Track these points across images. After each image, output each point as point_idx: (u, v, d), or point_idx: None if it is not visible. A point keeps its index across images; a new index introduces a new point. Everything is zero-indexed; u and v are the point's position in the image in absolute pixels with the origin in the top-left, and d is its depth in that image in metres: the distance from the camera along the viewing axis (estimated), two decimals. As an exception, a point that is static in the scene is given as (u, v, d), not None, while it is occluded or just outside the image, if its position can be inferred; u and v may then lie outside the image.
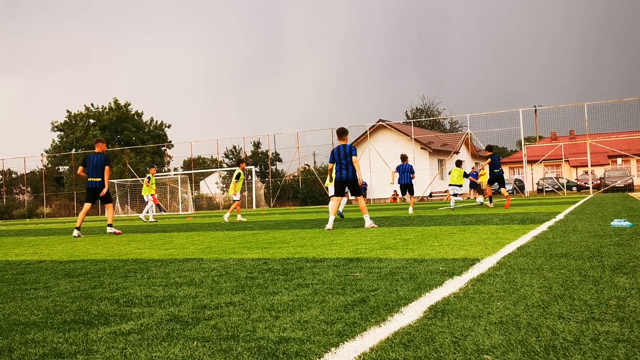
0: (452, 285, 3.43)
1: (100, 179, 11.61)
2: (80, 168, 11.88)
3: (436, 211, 15.87)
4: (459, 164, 19.34)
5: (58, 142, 53.09)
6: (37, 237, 11.70)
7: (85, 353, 2.31)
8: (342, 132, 10.16)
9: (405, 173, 16.26)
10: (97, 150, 11.91)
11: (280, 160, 46.44)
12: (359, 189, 10.26)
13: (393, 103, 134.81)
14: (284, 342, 2.33)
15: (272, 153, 45.50)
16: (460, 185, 18.70)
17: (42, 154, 52.21)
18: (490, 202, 17.78)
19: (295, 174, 44.14)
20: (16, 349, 2.43)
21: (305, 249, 6.27)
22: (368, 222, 9.79)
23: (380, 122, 41.74)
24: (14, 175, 53.30)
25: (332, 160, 10.13)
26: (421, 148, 40.00)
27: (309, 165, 44.96)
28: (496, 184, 17.94)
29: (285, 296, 3.35)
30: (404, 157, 16.76)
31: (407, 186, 16.29)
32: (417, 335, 2.34)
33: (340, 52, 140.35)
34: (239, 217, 16.79)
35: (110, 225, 11.74)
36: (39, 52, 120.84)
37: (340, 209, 14.06)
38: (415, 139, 39.49)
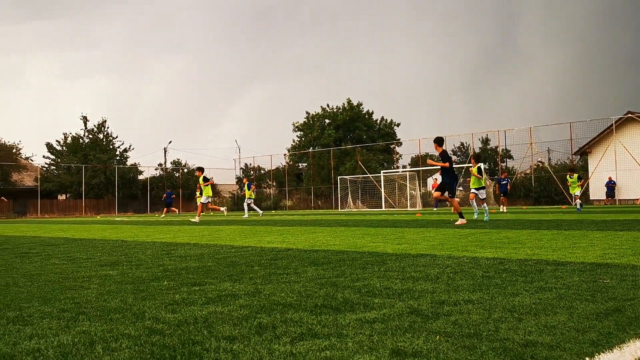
0: None
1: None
2: None
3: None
4: None
5: (298, 142, 57.85)
6: (283, 227, 12.96)
7: (337, 336, 2.52)
8: None
9: None
10: None
11: (511, 157, 44.28)
12: None
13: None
14: (530, 345, 2.25)
15: (502, 149, 43.61)
16: None
17: (285, 153, 57.51)
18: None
19: (528, 172, 41.70)
20: (278, 326, 2.74)
21: (543, 250, 5.92)
22: None
23: (629, 114, 37.19)
24: (262, 172, 59.61)
25: None
26: (681, 142, 34.67)
27: (542, 163, 42.11)
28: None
29: (527, 298, 3.22)
30: None
31: None
32: (690, 354, 2.06)
33: (579, 40, 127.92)
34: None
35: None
36: (282, 60, 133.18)
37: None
38: (674, 132, 34.39)
